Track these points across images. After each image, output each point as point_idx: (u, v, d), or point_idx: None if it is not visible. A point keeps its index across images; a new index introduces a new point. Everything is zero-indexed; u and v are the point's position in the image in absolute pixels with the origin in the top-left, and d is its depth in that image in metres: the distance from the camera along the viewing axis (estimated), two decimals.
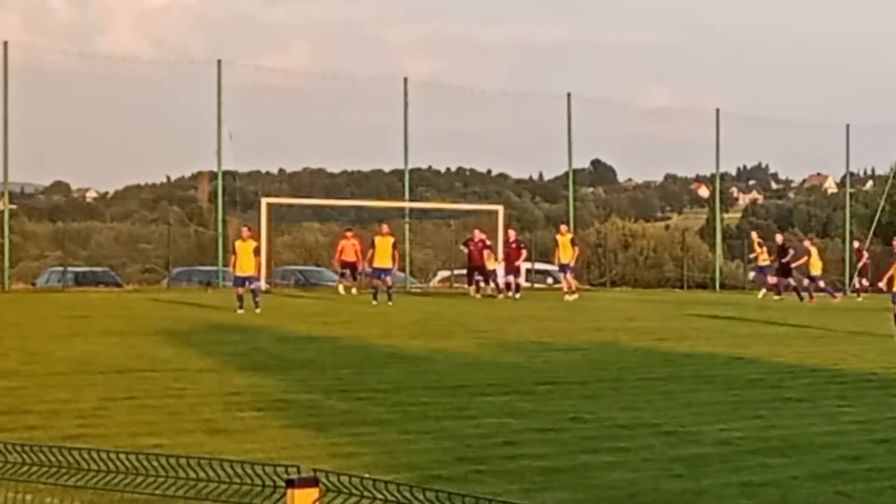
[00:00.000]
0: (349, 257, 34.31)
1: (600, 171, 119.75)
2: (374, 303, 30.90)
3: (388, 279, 32.37)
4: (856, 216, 53.96)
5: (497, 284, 35.91)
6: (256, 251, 29.20)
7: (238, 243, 29.41)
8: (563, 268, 35.72)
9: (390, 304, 30.78)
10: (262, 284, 31.41)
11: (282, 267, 44.18)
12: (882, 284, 25.93)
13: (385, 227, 33.75)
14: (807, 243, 39.74)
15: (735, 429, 11.81)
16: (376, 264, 32.26)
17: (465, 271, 38.02)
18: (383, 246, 32.38)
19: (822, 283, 37.52)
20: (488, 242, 36.18)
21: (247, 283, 28.45)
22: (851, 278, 44.48)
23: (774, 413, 13.03)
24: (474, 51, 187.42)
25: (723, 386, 15.42)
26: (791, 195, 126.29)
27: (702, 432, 11.60)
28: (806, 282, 37.16)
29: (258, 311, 27.21)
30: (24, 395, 13.34)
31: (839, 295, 38.48)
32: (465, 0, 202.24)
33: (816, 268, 37.17)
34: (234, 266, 29.03)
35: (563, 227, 36.87)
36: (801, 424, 12.28)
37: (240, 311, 27.00)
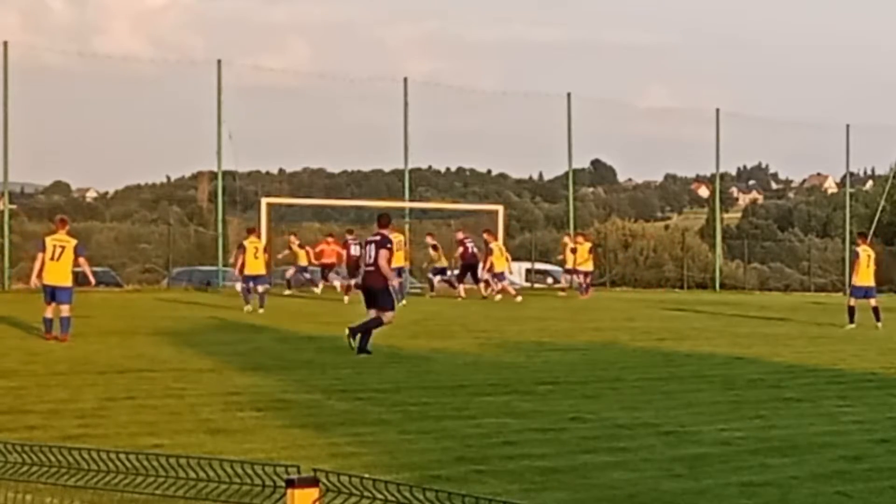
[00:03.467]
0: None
1: (600, 171, 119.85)
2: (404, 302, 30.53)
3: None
4: (856, 216, 53.98)
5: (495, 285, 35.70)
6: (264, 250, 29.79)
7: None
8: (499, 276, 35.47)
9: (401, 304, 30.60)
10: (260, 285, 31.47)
11: (282, 267, 44.19)
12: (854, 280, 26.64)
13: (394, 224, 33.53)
14: (487, 237, 39.72)
15: (735, 429, 11.80)
16: (395, 264, 31.70)
17: (457, 271, 37.93)
18: (398, 244, 31.83)
19: (486, 276, 38.18)
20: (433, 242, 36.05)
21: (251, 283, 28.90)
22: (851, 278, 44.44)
23: (774, 413, 13.02)
24: (474, 51, 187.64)
25: (723, 386, 15.41)
26: (791, 195, 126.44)
27: (702, 432, 11.59)
28: (488, 276, 37.97)
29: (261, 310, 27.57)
30: (24, 395, 13.34)
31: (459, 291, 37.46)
32: (465, 0, 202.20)
33: (500, 265, 37.71)
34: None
35: (485, 234, 36.58)
36: (801, 424, 12.27)
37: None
